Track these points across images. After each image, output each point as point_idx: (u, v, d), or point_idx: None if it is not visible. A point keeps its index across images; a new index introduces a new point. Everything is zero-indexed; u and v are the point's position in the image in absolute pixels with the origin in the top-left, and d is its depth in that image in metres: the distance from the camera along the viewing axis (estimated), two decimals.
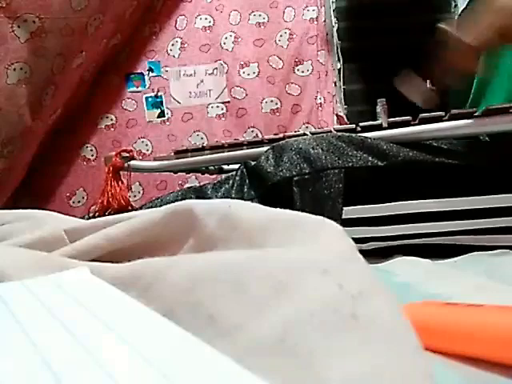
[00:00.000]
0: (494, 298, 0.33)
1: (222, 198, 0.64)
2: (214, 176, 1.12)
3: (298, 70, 1.60)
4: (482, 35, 0.63)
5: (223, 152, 0.79)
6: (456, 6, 1.57)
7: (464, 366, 0.23)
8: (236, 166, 0.69)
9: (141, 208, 0.75)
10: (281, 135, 0.77)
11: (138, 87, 1.59)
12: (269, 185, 0.61)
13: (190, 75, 1.60)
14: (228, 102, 1.60)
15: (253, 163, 0.65)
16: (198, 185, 0.76)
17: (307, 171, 0.59)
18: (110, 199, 0.83)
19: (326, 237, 0.19)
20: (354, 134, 0.63)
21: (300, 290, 0.16)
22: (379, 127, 0.67)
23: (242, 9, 1.60)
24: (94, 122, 1.55)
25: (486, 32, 0.63)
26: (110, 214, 0.80)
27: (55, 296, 0.18)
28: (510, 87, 0.80)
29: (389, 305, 0.16)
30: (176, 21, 1.60)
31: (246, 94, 1.59)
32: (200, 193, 0.67)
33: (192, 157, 0.83)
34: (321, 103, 1.60)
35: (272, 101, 1.59)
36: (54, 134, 1.42)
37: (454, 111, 0.64)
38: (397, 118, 0.67)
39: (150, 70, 1.59)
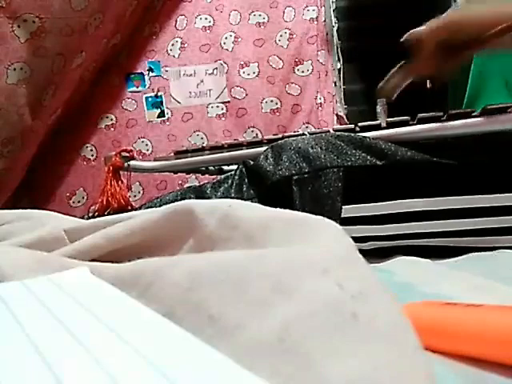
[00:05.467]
0: (494, 298, 0.33)
1: (221, 197, 0.64)
2: (214, 176, 1.12)
3: (298, 70, 1.60)
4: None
5: (223, 152, 0.79)
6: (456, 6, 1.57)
7: (464, 365, 0.23)
8: (236, 166, 0.69)
9: (141, 208, 0.75)
10: (280, 135, 0.77)
11: (138, 87, 1.59)
12: (268, 184, 0.61)
13: (190, 75, 1.60)
14: (228, 102, 1.60)
15: (252, 162, 0.65)
16: (197, 184, 0.76)
17: (306, 170, 0.59)
18: (110, 199, 0.83)
19: (326, 236, 0.19)
20: (352, 134, 0.63)
21: (300, 289, 0.16)
22: (378, 127, 0.67)
23: (241, 9, 1.60)
24: (94, 122, 1.55)
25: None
26: (109, 214, 0.80)
27: (55, 296, 0.18)
28: (501, 89, 0.81)
29: (389, 305, 0.16)
30: (176, 21, 1.60)
31: (246, 94, 1.59)
32: (199, 192, 0.67)
33: (192, 157, 0.83)
34: (321, 103, 1.60)
35: (272, 101, 1.59)
36: (54, 134, 1.42)
37: (452, 111, 0.64)
38: (395, 118, 0.67)
39: (150, 69, 1.59)
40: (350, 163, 0.60)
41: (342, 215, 0.59)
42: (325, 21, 1.61)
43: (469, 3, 0.64)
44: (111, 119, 1.56)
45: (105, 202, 0.83)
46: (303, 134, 0.70)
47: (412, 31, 0.66)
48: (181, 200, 0.25)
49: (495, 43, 0.61)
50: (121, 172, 0.87)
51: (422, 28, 0.65)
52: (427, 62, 0.65)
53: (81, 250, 0.26)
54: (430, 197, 0.60)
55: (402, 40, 0.68)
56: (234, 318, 0.15)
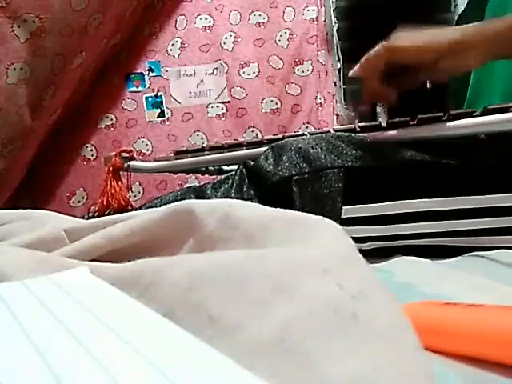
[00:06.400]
0: (494, 298, 0.33)
1: (221, 197, 0.64)
2: (214, 176, 1.12)
3: (298, 70, 1.60)
4: None
5: (223, 152, 0.79)
6: (456, 5, 1.57)
7: (464, 365, 0.23)
8: (236, 167, 0.69)
9: (141, 208, 0.75)
10: (280, 135, 0.77)
11: (138, 87, 1.59)
12: (268, 184, 0.61)
13: (190, 75, 1.60)
14: (228, 102, 1.60)
15: (252, 163, 0.65)
16: (197, 185, 0.77)
17: (307, 171, 0.59)
18: (110, 199, 0.83)
19: (326, 236, 0.19)
20: (353, 134, 0.63)
21: (300, 289, 0.16)
22: (378, 127, 0.67)
23: (241, 9, 1.60)
24: (94, 122, 1.55)
25: None
26: (109, 214, 0.80)
27: (55, 296, 0.18)
28: (504, 89, 0.81)
29: (389, 305, 0.16)
30: (176, 21, 1.60)
31: (246, 94, 1.59)
32: (199, 193, 0.67)
33: (192, 157, 0.83)
34: (321, 103, 1.60)
35: (272, 101, 1.59)
36: (54, 134, 1.42)
37: (452, 111, 0.64)
38: (396, 119, 0.67)
39: (150, 69, 1.59)
40: (350, 164, 0.60)
41: (343, 216, 0.59)
42: (325, 21, 1.61)
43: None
44: (111, 119, 1.56)
45: (105, 203, 0.83)
46: (303, 134, 0.70)
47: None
48: (181, 200, 0.25)
49: (437, 69, 0.61)
50: (121, 172, 0.87)
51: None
52: (376, 86, 0.65)
53: (81, 250, 0.26)
54: (431, 197, 0.60)
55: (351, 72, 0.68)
56: (234, 318, 0.15)
